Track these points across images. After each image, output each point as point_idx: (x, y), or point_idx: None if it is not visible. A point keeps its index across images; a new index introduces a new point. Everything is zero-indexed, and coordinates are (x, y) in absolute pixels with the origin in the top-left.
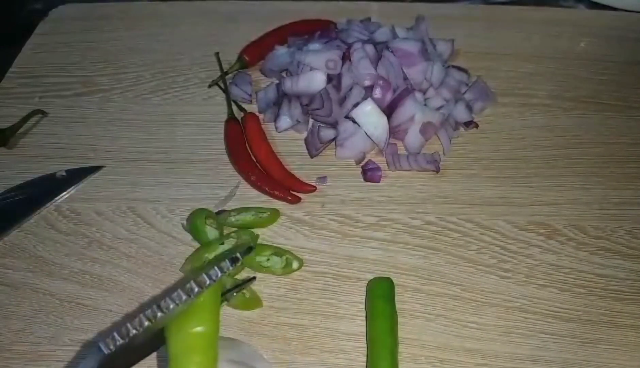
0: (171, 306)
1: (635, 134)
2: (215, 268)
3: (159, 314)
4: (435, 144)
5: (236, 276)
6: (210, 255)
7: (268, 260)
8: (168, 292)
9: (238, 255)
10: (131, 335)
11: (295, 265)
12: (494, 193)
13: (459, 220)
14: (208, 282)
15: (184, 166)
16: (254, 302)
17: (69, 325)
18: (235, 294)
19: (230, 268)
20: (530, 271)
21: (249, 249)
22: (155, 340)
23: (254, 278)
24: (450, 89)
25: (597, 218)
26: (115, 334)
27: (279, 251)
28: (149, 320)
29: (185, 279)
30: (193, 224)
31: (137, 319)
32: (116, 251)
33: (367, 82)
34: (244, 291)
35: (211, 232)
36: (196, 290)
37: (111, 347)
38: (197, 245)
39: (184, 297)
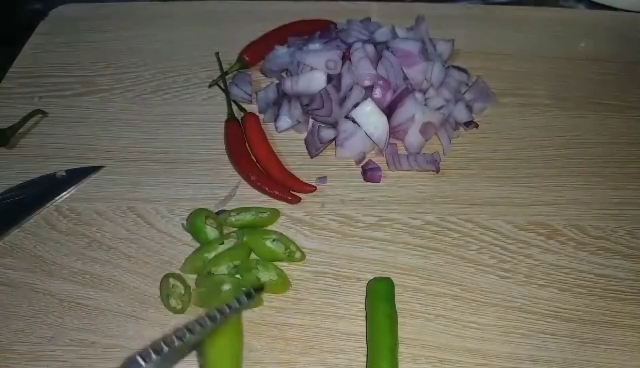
0: (197, 328)
1: (635, 134)
2: (235, 301)
3: (188, 335)
4: (435, 144)
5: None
6: (210, 255)
7: (273, 241)
8: (197, 318)
9: (252, 291)
10: (164, 352)
11: (298, 255)
12: (494, 193)
13: (459, 220)
14: (229, 311)
15: (184, 166)
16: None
17: (69, 325)
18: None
19: (247, 302)
20: (530, 271)
21: (261, 288)
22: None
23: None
24: (450, 89)
25: (597, 218)
26: (151, 350)
27: (284, 240)
28: (179, 339)
29: (210, 308)
30: (193, 224)
31: (170, 337)
32: (116, 251)
33: (367, 82)
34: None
35: (211, 232)
36: (219, 317)
37: (147, 360)
38: (197, 245)
39: (209, 323)
